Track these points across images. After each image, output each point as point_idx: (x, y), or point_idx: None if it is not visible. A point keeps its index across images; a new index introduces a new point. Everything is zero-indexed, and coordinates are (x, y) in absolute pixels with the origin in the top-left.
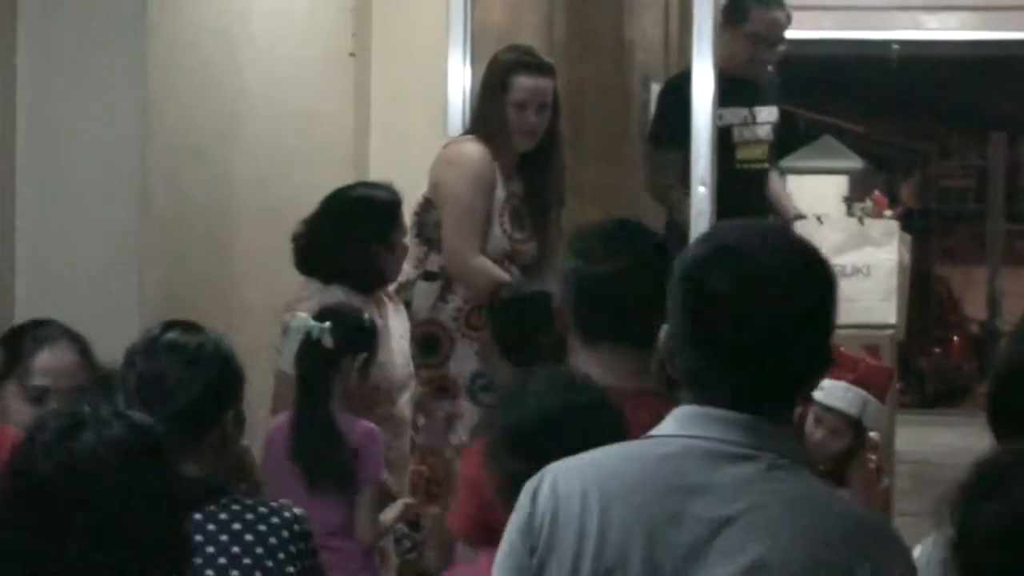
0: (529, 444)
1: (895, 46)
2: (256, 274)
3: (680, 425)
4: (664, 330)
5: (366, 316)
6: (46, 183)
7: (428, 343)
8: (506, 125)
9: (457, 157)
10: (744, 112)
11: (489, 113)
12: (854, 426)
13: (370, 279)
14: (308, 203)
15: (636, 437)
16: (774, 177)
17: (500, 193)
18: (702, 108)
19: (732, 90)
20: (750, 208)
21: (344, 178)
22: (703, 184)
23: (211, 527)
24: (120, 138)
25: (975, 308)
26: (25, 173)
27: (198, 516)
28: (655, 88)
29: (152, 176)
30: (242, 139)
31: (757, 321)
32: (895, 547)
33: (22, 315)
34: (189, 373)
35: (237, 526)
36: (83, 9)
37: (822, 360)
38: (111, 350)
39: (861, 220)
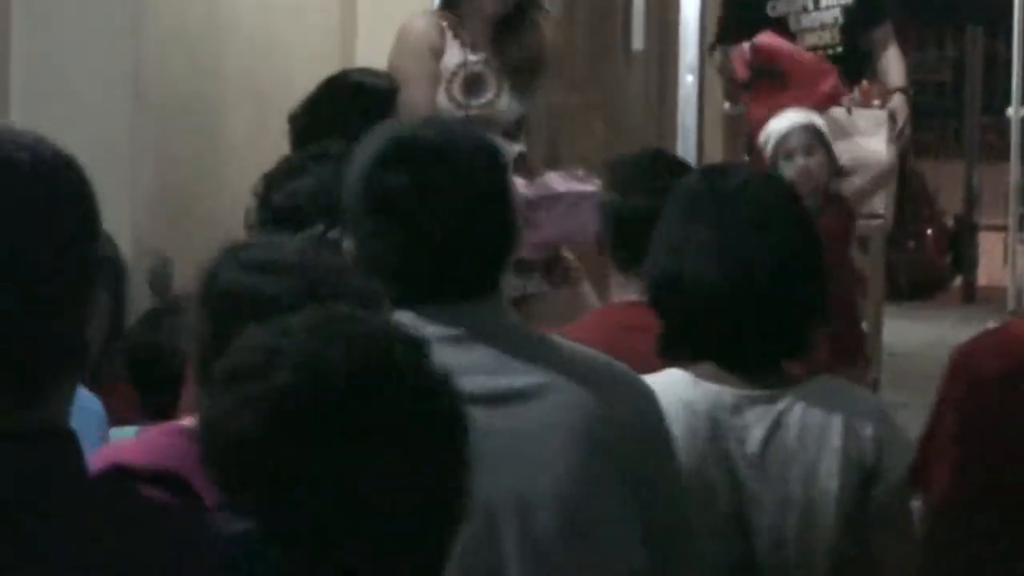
0: None
1: None
2: (245, 161)
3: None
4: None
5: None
6: (39, 72)
7: None
8: None
9: (401, 31)
10: (803, 0)
11: None
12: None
13: None
14: (295, 91)
15: None
16: (890, 53)
17: (452, 60)
18: None
19: None
20: None
21: (331, 66)
22: (691, 72)
23: None
24: (112, 28)
25: (951, 203)
26: (18, 61)
27: None
28: None
29: (144, 65)
30: (230, 28)
31: (440, 207)
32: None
33: None
34: None
35: None
36: None
37: (510, 236)
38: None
39: (849, 110)
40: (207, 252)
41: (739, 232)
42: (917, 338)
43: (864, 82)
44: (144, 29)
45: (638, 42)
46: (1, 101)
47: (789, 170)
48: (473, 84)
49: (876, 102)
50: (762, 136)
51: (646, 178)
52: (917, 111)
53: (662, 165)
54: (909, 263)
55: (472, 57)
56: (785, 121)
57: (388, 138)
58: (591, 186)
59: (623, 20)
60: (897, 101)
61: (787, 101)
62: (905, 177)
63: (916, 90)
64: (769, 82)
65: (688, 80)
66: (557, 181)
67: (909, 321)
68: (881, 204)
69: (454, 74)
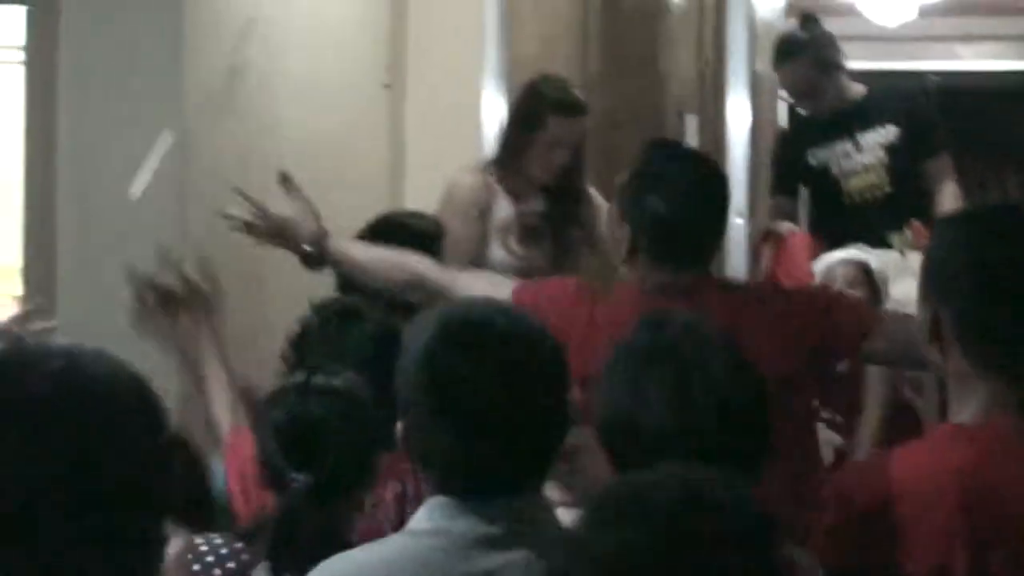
0: None
1: (933, 77)
2: (291, 306)
3: (439, 516)
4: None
5: None
6: (84, 215)
7: None
8: (532, 159)
9: (447, 189)
10: (844, 144)
11: (515, 144)
12: (867, 273)
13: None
14: (341, 231)
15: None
16: (945, 190)
17: (504, 212)
18: (737, 139)
19: (827, 125)
20: (874, 235)
21: (378, 210)
22: (740, 215)
23: None
24: (157, 169)
25: None
26: (64, 203)
27: None
28: (689, 120)
29: (189, 207)
30: (276, 171)
31: (495, 395)
32: None
33: (64, 336)
34: None
35: None
36: (121, 40)
37: (565, 426)
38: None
39: (902, 252)
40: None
41: (680, 380)
42: None
43: (914, 222)
44: (187, 171)
45: None
46: (47, 234)
47: None
48: (530, 235)
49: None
50: (815, 267)
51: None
52: None
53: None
54: None
55: (524, 208)
56: (836, 255)
57: (446, 322)
58: None
59: None
60: None
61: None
62: None
63: None
64: None
65: (737, 223)
66: None
67: None
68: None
69: (507, 227)
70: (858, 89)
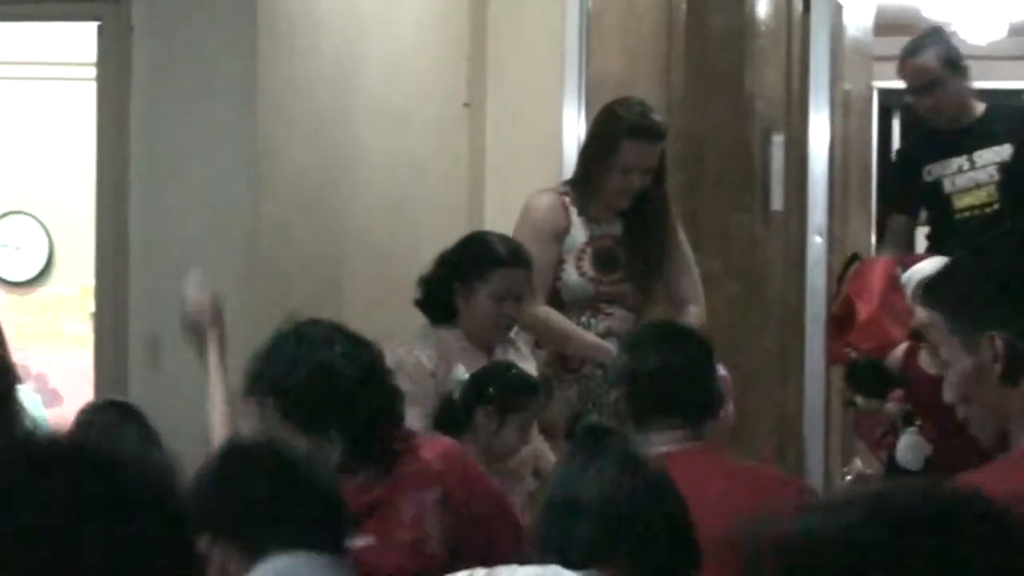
0: None
1: None
2: (364, 327)
3: None
4: None
5: (523, 374)
6: (157, 234)
7: None
8: (608, 182)
9: (525, 209)
10: (959, 161)
11: (589, 168)
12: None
13: (439, 312)
14: (419, 256)
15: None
16: None
17: (579, 237)
18: (818, 158)
19: (945, 142)
20: None
21: (457, 230)
22: (819, 234)
23: None
24: (230, 188)
25: None
26: (137, 223)
27: None
28: (776, 139)
29: (262, 225)
30: (353, 188)
31: None
32: None
33: (135, 362)
34: None
35: None
36: (195, 58)
37: None
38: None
39: None
40: None
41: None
42: None
43: None
44: (264, 187)
45: (777, 202)
46: (121, 262)
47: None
48: (604, 258)
49: None
50: (904, 275)
51: (656, 341)
52: None
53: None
54: None
55: (599, 232)
56: (929, 265)
57: None
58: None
59: (762, 178)
60: None
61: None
62: None
63: None
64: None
65: (816, 241)
66: None
67: None
68: None
69: (582, 250)
70: (979, 107)
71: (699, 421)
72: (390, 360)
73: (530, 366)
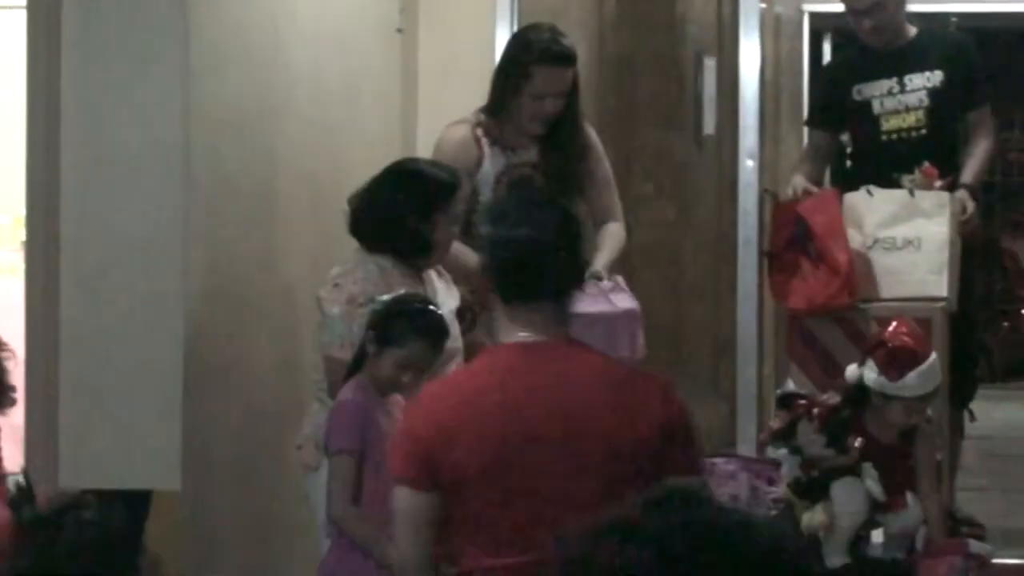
0: None
1: (953, 18)
2: (299, 250)
3: None
4: None
5: (421, 314)
6: (89, 163)
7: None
8: (520, 109)
9: (436, 145)
10: (889, 83)
11: (503, 94)
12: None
13: (410, 251)
14: (352, 180)
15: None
16: (979, 141)
17: (496, 166)
18: (749, 82)
19: (876, 62)
20: (904, 174)
21: (390, 155)
22: (751, 157)
23: None
24: (162, 114)
25: None
26: (68, 151)
27: None
28: (708, 63)
29: (194, 151)
30: (286, 115)
31: None
32: None
33: (67, 290)
34: None
35: None
36: None
37: None
38: (155, 326)
39: (911, 192)
40: (259, 336)
41: None
42: (1002, 421)
43: (926, 164)
44: (195, 111)
45: (709, 126)
46: (53, 187)
47: (900, 419)
48: (521, 185)
49: (938, 183)
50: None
51: (520, 214)
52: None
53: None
54: (1001, 344)
55: (515, 160)
56: (924, 384)
57: None
58: (627, 302)
59: (694, 102)
60: (960, 194)
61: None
62: (995, 256)
63: (1010, 169)
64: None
65: (748, 164)
66: (587, 302)
67: (998, 403)
68: (943, 287)
69: (498, 180)
70: (911, 30)
71: (564, 298)
72: (338, 295)
73: (453, 295)
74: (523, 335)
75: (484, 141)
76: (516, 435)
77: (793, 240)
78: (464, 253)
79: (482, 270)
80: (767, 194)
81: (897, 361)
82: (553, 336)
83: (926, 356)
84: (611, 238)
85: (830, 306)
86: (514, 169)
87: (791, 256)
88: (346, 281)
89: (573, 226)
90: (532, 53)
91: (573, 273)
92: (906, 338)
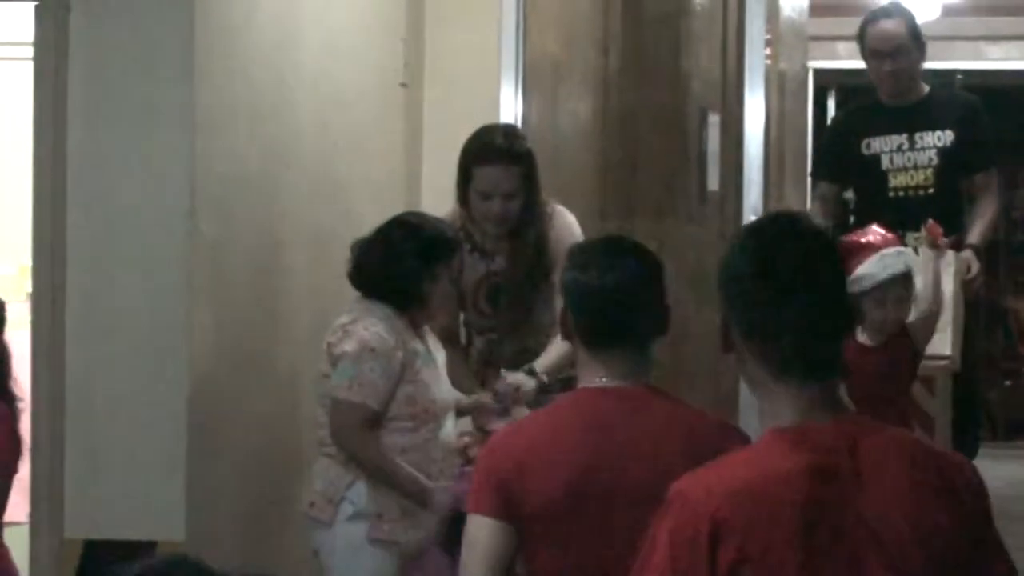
0: None
1: (959, 76)
2: (304, 304)
3: None
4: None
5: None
6: (95, 213)
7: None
8: (473, 211)
9: None
10: (899, 139)
11: (460, 195)
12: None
13: (409, 301)
14: (357, 232)
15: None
16: (985, 202)
17: (475, 274)
18: (753, 138)
19: (888, 118)
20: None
21: (394, 207)
22: (754, 213)
23: None
24: (168, 168)
25: None
26: (75, 202)
27: None
28: (712, 119)
29: (200, 206)
30: (290, 168)
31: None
32: None
33: (71, 344)
34: None
35: None
36: (132, 40)
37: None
38: (160, 378)
39: (916, 250)
40: (262, 389)
41: None
42: (1006, 480)
43: (930, 221)
44: (201, 166)
45: (713, 182)
46: (59, 241)
47: (877, 314)
48: (494, 294)
49: (943, 241)
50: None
51: (604, 260)
52: (1014, 249)
53: (620, 247)
54: (1005, 401)
55: (493, 267)
56: (885, 269)
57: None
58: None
59: (698, 158)
60: (966, 254)
61: None
62: (998, 315)
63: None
64: None
65: (752, 220)
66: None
67: (1001, 462)
68: (947, 346)
69: (477, 288)
70: (924, 88)
71: (646, 344)
72: (348, 340)
73: (436, 344)
74: (604, 380)
75: (465, 247)
76: (587, 477)
77: None
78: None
79: (562, 315)
80: None
81: (849, 256)
82: (633, 382)
83: (880, 247)
84: (560, 347)
85: None
86: (491, 277)
87: None
88: (356, 328)
89: (657, 272)
90: (472, 153)
91: (656, 320)
92: (854, 237)
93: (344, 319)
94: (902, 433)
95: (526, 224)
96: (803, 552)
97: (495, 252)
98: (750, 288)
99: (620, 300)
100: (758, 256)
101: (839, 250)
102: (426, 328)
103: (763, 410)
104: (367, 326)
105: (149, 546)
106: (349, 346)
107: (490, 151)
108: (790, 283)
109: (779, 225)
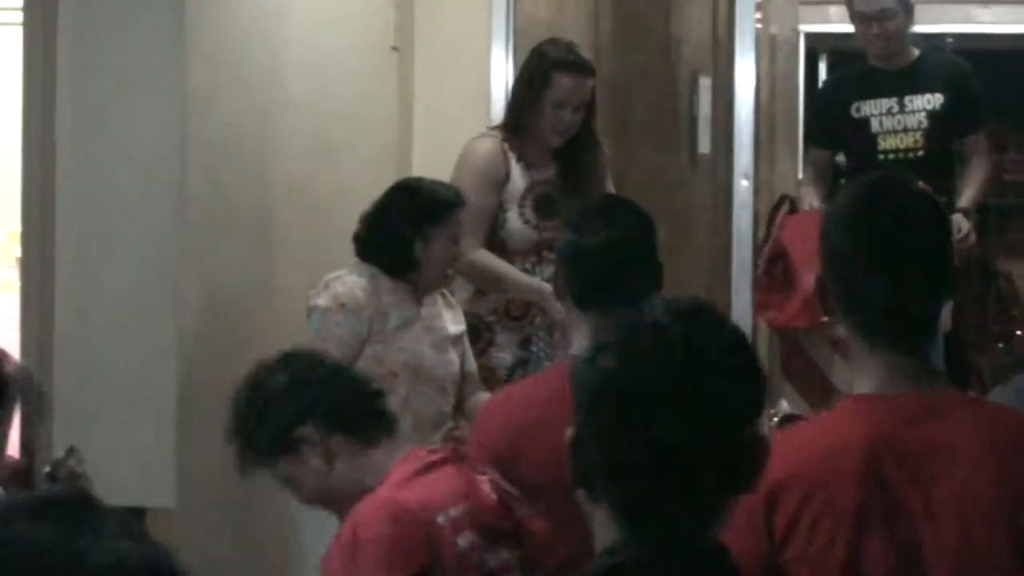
0: None
1: (949, 39)
2: (296, 271)
3: None
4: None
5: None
6: (84, 181)
7: (468, 334)
8: (541, 120)
9: (464, 155)
10: (889, 102)
11: (523, 106)
12: None
13: (398, 264)
14: (350, 200)
15: None
16: (975, 165)
17: (520, 183)
18: (744, 102)
19: (878, 81)
20: None
21: (387, 174)
22: (745, 177)
23: None
24: (158, 135)
25: None
26: (64, 173)
27: None
28: (703, 82)
29: (191, 174)
30: (281, 135)
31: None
32: None
33: (62, 308)
34: None
35: None
36: (122, 7)
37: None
38: (150, 344)
39: None
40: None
41: None
42: None
43: (920, 183)
44: (191, 135)
45: (704, 146)
46: (48, 211)
47: None
48: (544, 204)
49: None
50: None
51: (598, 219)
52: (1004, 211)
53: (615, 207)
54: (996, 365)
55: (538, 177)
56: None
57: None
58: None
59: (689, 122)
60: (956, 216)
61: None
62: (990, 277)
63: (1004, 191)
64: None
65: (743, 185)
66: None
67: None
68: None
69: (524, 197)
70: (914, 51)
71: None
72: (325, 292)
73: (458, 321)
74: None
75: (511, 156)
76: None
77: (774, 256)
78: (494, 261)
79: (556, 278)
80: (786, 199)
81: None
82: None
83: None
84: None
85: (788, 327)
86: (539, 186)
87: (776, 270)
88: (335, 283)
89: (649, 230)
90: (551, 62)
91: (650, 277)
92: None
93: (330, 275)
94: (990, 404)
95: (582, 136)
96: (857, 523)
97: (538, 163)
98: (843, 257)
99: (613, 258)
100: (849, 226)
101: (940, 214)
102: (439, 298)
103: (851, 377)
104: (345, 282)
105: (138, 512)
106: (322, 300)
107: (572, 62)
108: (881, 254)
109: (875, 193)
